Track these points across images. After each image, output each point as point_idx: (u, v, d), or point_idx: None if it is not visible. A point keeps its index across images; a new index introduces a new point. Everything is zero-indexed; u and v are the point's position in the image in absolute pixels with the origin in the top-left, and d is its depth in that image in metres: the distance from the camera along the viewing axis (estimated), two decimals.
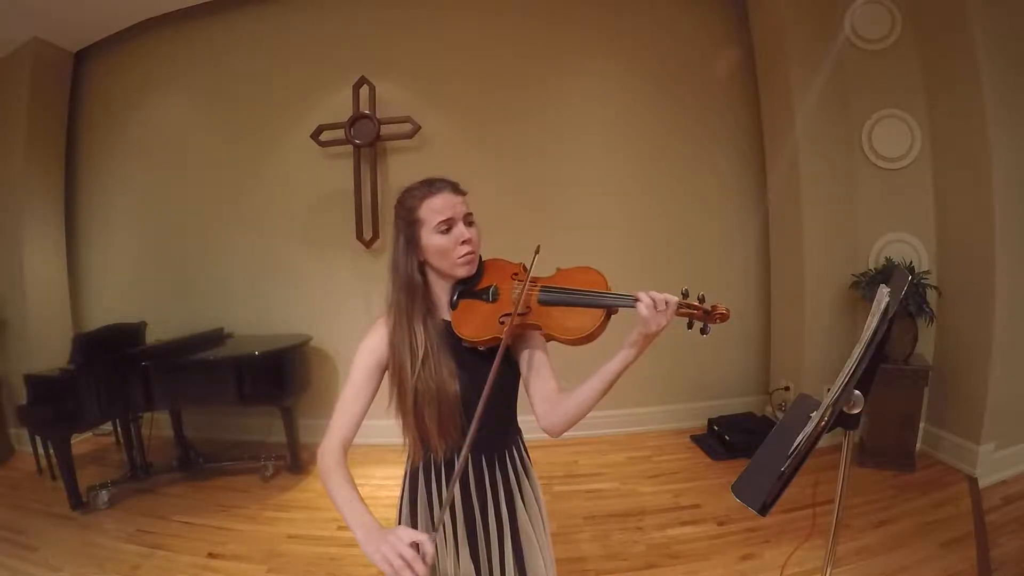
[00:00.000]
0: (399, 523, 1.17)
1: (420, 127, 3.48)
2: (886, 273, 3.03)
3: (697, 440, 3.50)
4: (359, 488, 1.00)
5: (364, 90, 3.49)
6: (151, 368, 2.92)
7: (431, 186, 1.08)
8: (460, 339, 1.06)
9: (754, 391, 3.83)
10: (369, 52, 3.57)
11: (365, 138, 3.47)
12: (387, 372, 1.09)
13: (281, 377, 3.13)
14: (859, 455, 3.04)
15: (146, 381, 2.91)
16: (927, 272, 3.07)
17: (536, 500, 1.18)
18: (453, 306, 1.10)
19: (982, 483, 2.73)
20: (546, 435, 1.09)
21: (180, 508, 2.82)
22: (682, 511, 2.65)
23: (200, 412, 3.61)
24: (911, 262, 3.12)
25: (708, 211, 3.73)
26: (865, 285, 3.08)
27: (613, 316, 0.99)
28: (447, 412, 1.04)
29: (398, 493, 1.21)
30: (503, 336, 1.00)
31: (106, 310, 3.84)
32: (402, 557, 0.78)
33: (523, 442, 1.21)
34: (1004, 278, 2.73)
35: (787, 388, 3.51)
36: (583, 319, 0.98)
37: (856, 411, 0.91)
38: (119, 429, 3.10)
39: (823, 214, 3.27)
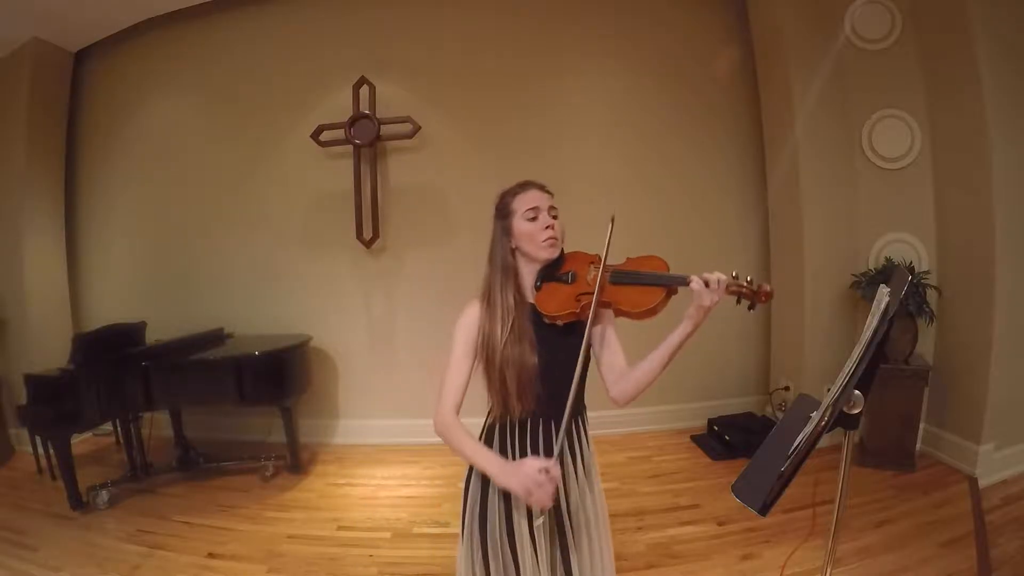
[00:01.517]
0: (468, 477, 1.32)
1: (420, 127, 3.48)
2: (886, 273, 3.03)
3: (697, 440, 3.50)
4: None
5: (364, 90, 3.49)
6: (151, 368, 2.92)
7: (523, 185, 1.31)
8: (542, 317, 1.22)
9: (754, 391, 3.83)
10: (369, 52, 3.57)
11: (365, 138, 3.47)
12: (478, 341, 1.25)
13: (281, 377, 3.13)
14: (859, 455, 3.04)
15: (146, 381, 2.91)
16: (927, 272, 3.07)
17: (591, 463, 1.34)
18: (537, 288, 1.27)
19: (982, 483, 2.73)
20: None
21: (180, 508, 2.82)
22: (682, 511, 2.65)
23: (200, 412, 3.60)
24: (911, 262, 3.12)
25: (708, 211, 3.73)
26: (865, 285, 3.08)
27: (674, 297, 1.16)
28: (526, 379, 1.20)
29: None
30: (578, 311, 1.18)
31: (106, 310, 3.84)
32: (535, 481, 1.04)
33: (586, 415, 1.36)
34: (1004, 278, 2.73)
35: (787, 388, 3.51)
36: (647, 295, 1.16)
37: (856, 411, 0.91)
38: (119, 429, 3.10)
39: (823, 214, 3.27)
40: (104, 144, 3.92)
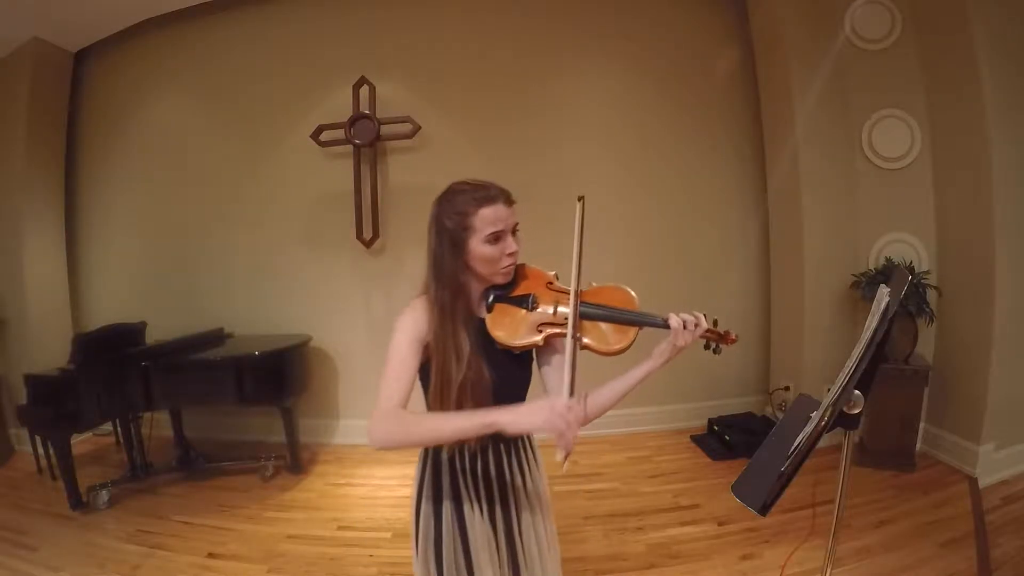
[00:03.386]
0: (417, 513, 1.19)
1: (420, 127, 3.48)
2: (886, 273, 3.03)
3: (697, 440, 3.50)
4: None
5: (364, 90, 3.48)
6: (151, 368, 2.92)
7: (486, 194, 1.08)
8: (494, 339, 1.10)
9: (754, 391, 3.83)
10: (369, 52, 3.57)
11: (365, 138, 3.47)
12: (428, 364, 1.10)
13: (281, 377, 3.13)
14: (859, 455, 3.04)
15: (146, 381, 2.91)
16: (927, 272, 3.07)
17: (538, 479, 1.25)
18: (488, 308, 1.13)
19: (982, 483, 2.73)
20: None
21: (180, 508, 2.82)
22: (682, 511, 2.65)
23: (200, 412, 3.61)
24: (911, 262, 3.12)
25: (708, 211, 3.73)
26: (865, 285, 3.08)
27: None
28: (484, 404, 1.05)
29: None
30: (542, 343, 1.09)
31: (106, 310, 3.84)
32: (564, 417, 0.88)
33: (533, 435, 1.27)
34: (1004, 278, 2.73)
35: (787, 388, 3.51)
36: (618, 335, 1.09)
37: (856, 411, 0.92)
38: (119, 429, 3.10)
39: (823, 214, 3.27)
40: (104, 144, 3.92)
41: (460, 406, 1.05)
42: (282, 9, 3.65)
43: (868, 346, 0.89)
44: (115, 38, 3.81)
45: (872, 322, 0.90)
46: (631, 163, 3.66)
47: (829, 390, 0.92)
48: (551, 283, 1.15)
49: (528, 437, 1.25)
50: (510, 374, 1.13)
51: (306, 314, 3.70)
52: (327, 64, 3.61)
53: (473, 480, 1.16)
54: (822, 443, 0.89)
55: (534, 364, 1.20)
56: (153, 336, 3.32)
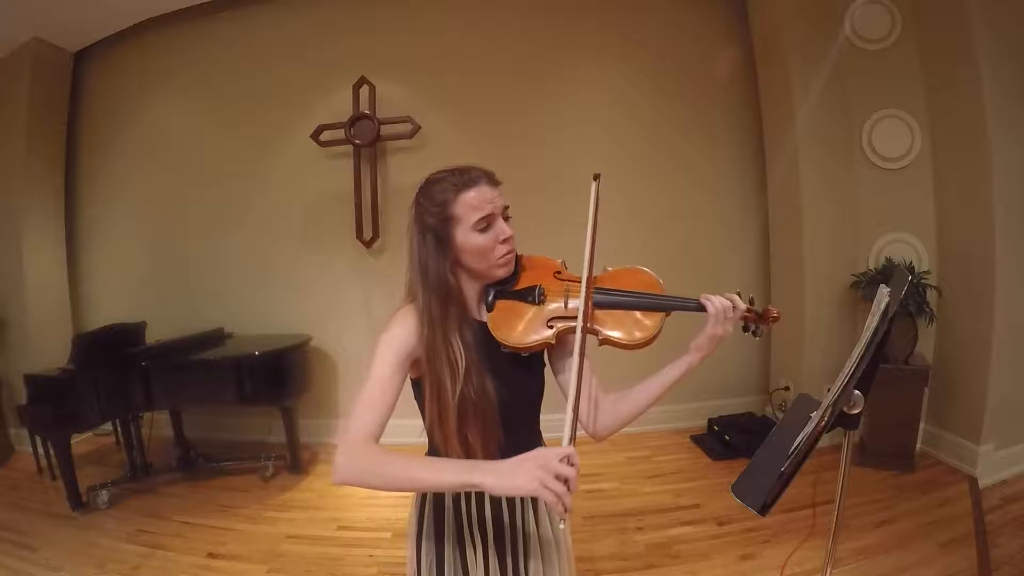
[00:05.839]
0: (418, 551, 1.08)
1: (420, 127, 3.48)
2: (886, 273, 3.03)
3: (697, 440, 3.50)
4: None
5: (364, 90, 3.49)
6: (151, 368, 2.92)
7: (465, 177, 0.94)
8: (498, 343, 0.97)
9: (754, 391, 3.83)
10: (369, 52, 3.57)
11: (365, 138, 3.47)
12: (421, 381, 0.97)
13: (281, 377, 3.13)
14: (859, 455, 3.04)
15: (146, 381, 2.91)
16: (927, 272, 3.07)
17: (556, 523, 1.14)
18: (489, 307, 0.99)
19: (982, 483, 2.73)
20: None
21: (180, 508, 2.82)
22: (682, 511, 2.65)
23: (200, 412, 3.61)
24: (911, 262, 3.12)
25: (708, 211, 3.73)
26: (865, 285, 3.09)
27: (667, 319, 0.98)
28: (490, 424, 0.94)
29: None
30: (554, 341, 0.96)
31: (106, 310, 3.84)
32: (555, 471, 0.71)
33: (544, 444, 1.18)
34: (1004, 278, 2.73)
35: (787, 388, 3.51)
36: (643, 323, 0.96)
37: (856, 411, 0.91)
38: (119, 429, 3.10)
39: (823, 214, 3.27)
40: (104, 144, 3.92)
41: (462, 429, 0.93)
42: (282, 9, 3.65)
43: (868, 346, 0.88)
44: (115, 38, 3.81)
45: (872, 322, 0.90)
46: (632, 163, 3.65)
47: (829, 390, 0.92)
48: (559, 272, 1.02)
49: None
50: (520, 384, 1.00)
51: (306, 314, 3.70)
52: (327, 64, 3.61)
53: (480, 523, 1.03)
54: (822, 443, 0.89)
55: (547, 369, 1.07)
56: (153, 336, 3.32)
